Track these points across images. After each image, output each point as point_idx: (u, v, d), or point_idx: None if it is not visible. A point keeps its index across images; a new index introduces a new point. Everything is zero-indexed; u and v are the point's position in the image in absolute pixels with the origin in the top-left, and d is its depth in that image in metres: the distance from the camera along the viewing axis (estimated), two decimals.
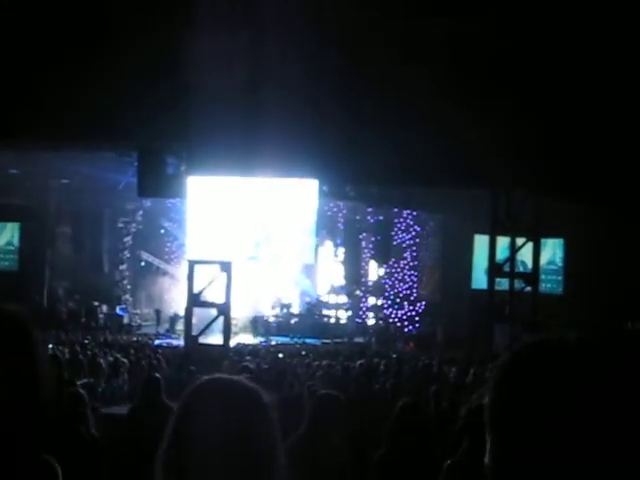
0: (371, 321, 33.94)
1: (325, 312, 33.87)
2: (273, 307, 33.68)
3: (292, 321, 32.74)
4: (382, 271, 34.59)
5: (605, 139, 16.33)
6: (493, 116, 16.28)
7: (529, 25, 15.78)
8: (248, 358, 15.74)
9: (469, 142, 16.21)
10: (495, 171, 17.23)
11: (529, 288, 20.50)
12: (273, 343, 27.42)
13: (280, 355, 18.82)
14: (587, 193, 18.69)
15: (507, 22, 15.73)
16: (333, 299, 34.47)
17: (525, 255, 21.18)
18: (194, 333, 18.77)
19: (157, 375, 8.17)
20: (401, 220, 33.89)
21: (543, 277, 21.47)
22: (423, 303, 32.84)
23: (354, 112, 16.36)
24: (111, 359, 14.91)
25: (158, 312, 33.06)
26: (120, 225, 34.77)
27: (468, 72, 16.19)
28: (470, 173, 17.52)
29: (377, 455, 5.35)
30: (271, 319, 32.93)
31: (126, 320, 32.51)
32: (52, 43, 15.89)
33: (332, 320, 33.50)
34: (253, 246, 20.18)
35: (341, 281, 35.26)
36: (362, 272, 35.19)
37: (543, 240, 21.64)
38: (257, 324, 31.99)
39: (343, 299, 34.47)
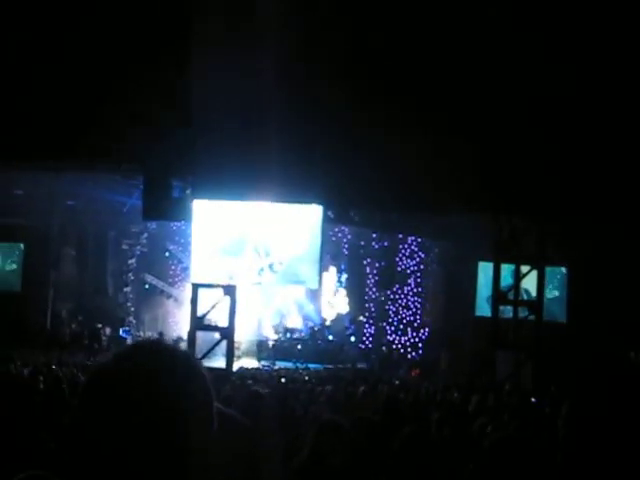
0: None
1: (328, 337, 33.84)
2: (276, 332, 33.63)
3: (295, 346, 32.63)
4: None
5: (608, 164, 16.35)
6: (494, 142, 16.33)
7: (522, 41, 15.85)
8: (250, 382, 15.70)
9: (474, 168, 16.28)
10: (497, 196, 17.27)
11: (532, 316, 20.44)
12: (276, 368, 27.36)
13: (282, 380, 18.77)
14: (590, 217, 18.74)
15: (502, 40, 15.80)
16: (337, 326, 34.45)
17: (528, 283, 21.14)
18: (197, 356, 18.70)
19: None
20: (405, 246, 33.85)
21: (547, 306, 21.40)
22: (427, 330, 32.75)
23: (360, 138, 16.41)
24: None
25: (161, 335, 32.93)
26: (124, 247, 34.78)
27: (464, 96, 16.25)
28: (471, 199, 17.57)
29: None
30: (274, 343, 32.86)
31: (129, 342, 32.39)
32: (55, 62, 15.96)
33: (335, 346, 33.41)
34: (257, 273, 20.14)
35: (345, 307, 35.20)
36: (366, 298, 35.13)
37: (547, 268, 21.57)
38: (260, 348, 31.94)
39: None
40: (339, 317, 34.89)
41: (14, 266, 31.15)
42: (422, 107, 16.33)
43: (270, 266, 21.30)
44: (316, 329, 33.87)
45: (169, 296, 35.08)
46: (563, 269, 25.97)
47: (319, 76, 16.10)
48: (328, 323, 34.57)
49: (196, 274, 19.89)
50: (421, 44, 16.05)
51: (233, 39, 15.95)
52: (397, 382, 19.55)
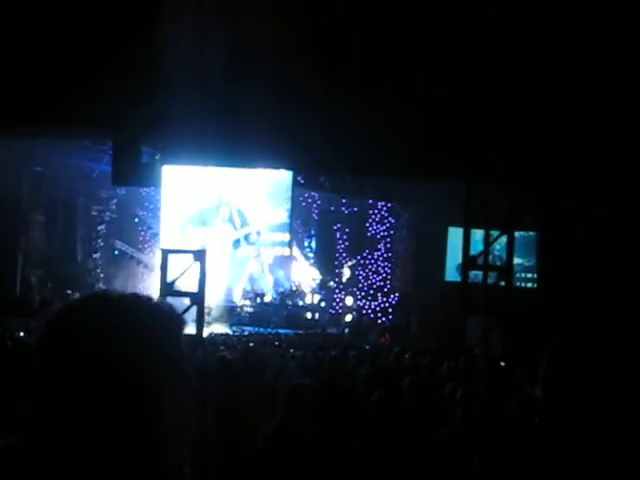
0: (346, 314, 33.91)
1: (299, 303, 33.91)
2: (246, 297, 33.63)
3: (265, 311, 32.67)
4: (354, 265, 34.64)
5: (583, 132, 16.38)
6: (467, 107, 16.32)
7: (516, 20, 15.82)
8: (222, 348, 15.71)
9: (444, 133, 16.28)
10: (469, 162, 17.27)
11: (503, 282, 20.49)
12: (246, 333, 27.38)
13: (251, 344, 18.77)
14: (560, 184, 18.80)
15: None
16: (309, 298, 34.46)
17: (499, 249, 21.20)
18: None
19: None
20: (375, 211, 33.89)
21: (519, 273, 21.48)
22: (397, 295, 32.84)
23: (329, 102, 16.34)
24: None
25: None
26: (94, 213, 34.68)
27: (431, 59, 16.22)
28: (442, 165, 17.56)
29: (354, 448, 5.34)
30: (244, 309, 32.89)
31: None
32: (24, 30, 15.79)
33: (305, 311, 33.47)
34: (232, 245, 20.07)
35: (315, 272, 35.27)
36: (336, 263, 35.21)
37: (517, 233, 21.62)
38: (231, 314, 31.94)
39: (317, 297, 34.53)
40: (309, 282, 34.98)
41: None
42: (390, 72, 16.27)
43: (246, 237, 21.24)
44: (286, 294, 33.93)
45: (139, 262, 35.06)
46: (532, 234, 26.01)
47: (287, 42, 16.01)
48: (298, 288, 34.64)
49: (165, 239, 19.82)
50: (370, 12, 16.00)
51: (201, 5, 15.83)
52: (367, 347, 19.60)
